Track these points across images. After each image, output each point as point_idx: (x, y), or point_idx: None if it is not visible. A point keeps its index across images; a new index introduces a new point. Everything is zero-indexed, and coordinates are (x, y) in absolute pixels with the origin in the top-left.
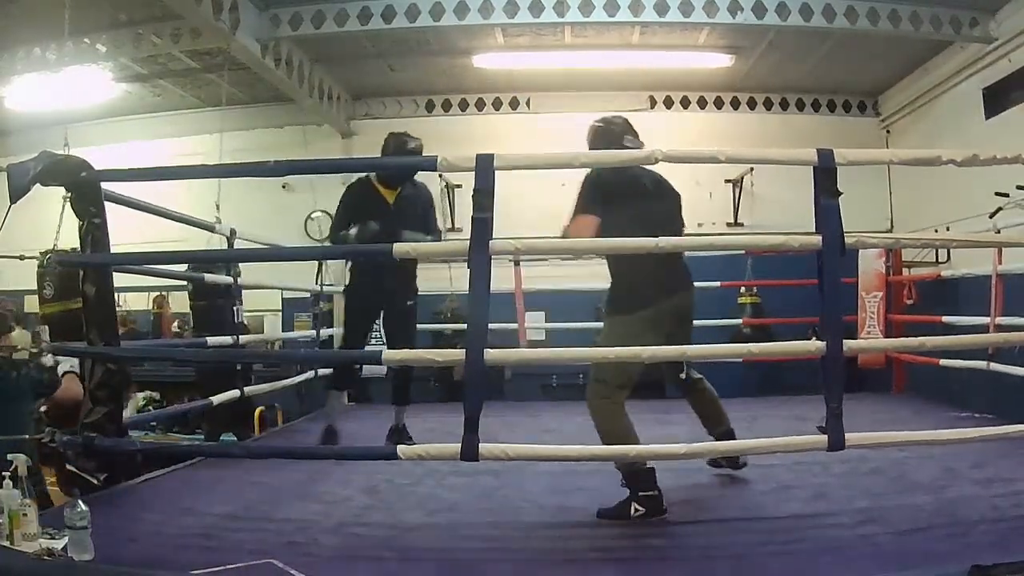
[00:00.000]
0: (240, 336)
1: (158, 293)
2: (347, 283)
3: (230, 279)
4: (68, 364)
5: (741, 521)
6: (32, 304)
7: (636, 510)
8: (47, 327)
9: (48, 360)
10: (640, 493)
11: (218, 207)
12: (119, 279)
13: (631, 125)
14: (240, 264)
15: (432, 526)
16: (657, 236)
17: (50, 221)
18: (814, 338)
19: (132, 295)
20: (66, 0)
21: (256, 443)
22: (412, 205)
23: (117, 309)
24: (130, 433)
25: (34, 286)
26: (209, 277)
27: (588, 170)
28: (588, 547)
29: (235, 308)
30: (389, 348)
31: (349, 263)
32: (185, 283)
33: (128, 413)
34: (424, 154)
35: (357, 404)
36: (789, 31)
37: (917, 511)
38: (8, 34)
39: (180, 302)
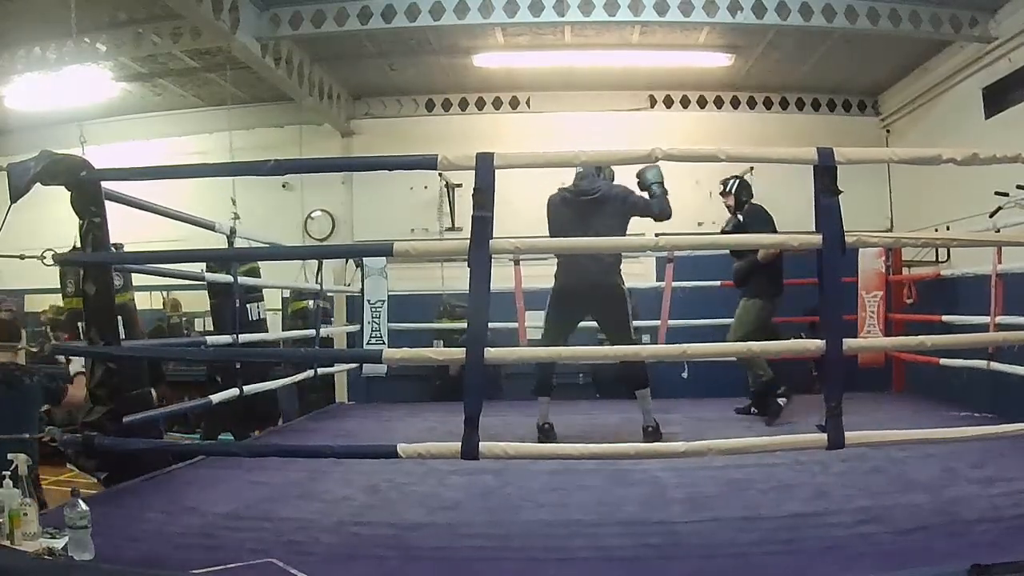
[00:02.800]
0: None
1: (166, 294)
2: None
3: (230, 278)
4: (79, 364)
5: (741, 520)
6: (33, 303)
7: (782, 402)
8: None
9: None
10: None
11: (234, 202)
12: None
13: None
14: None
15: (432, 525)
16: None
17: (52, 220)
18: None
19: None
20: (71, 1)
21: (256, 442)
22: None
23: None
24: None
25: (34, 284)
26: (211, 276)
27: (755, 207)
28: (588, 546)
29: (249, 306)
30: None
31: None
32: (186, 283)
33: None
34: (425, 153)
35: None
36: (789, 30)
37: (917, 510)
38: (8, 33)
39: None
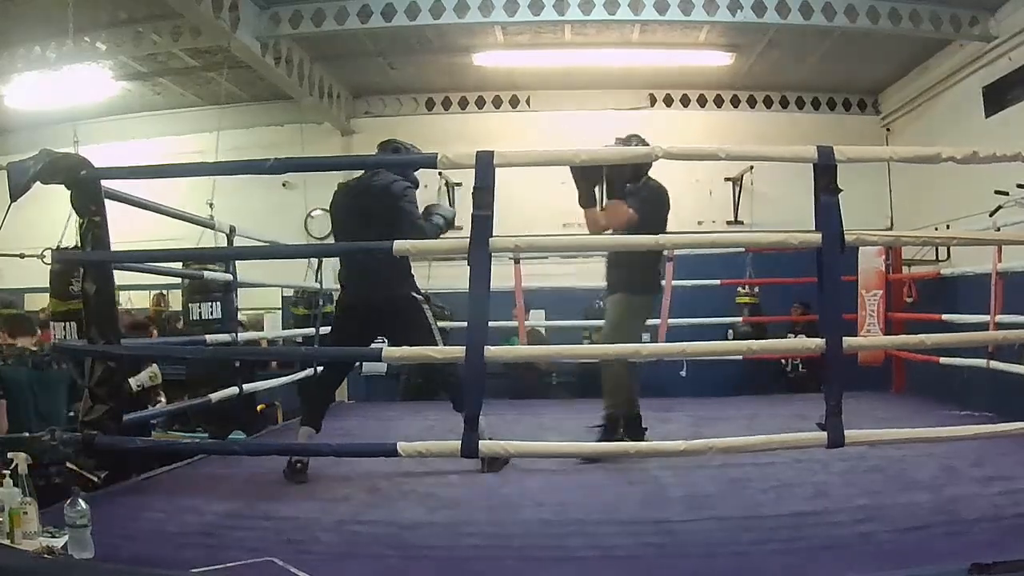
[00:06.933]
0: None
1: (158, 292)
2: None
3: (230, 276)
4: None
5: (741, 519)
6: (33, 302)
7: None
8: (74, 323)
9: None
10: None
11: (211, 205)
12: (119, 277)
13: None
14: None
15: (432, 524)
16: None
17: (52, 219)
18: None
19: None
20: (70, 1)
21: (256, 441)
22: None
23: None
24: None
25: (34, 284)
26: (211, 275)
27: (653, 184)
28: (588, 545)
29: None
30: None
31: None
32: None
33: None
34: (425, 152)
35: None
36: (789, 29)
37: (917, 509)
38: (9, 33)
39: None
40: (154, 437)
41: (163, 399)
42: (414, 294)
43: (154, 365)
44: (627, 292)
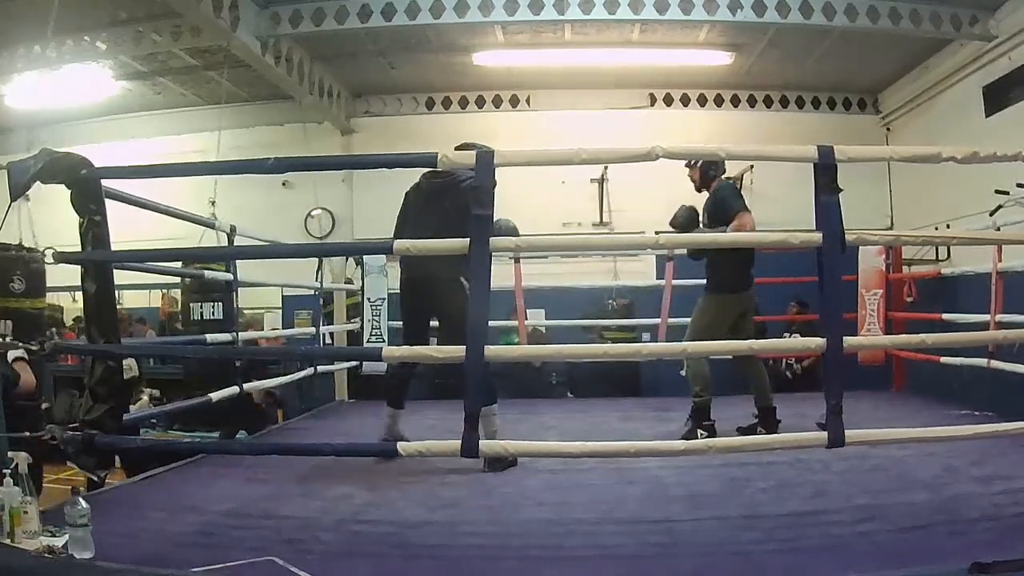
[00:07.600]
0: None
1: (164, 292)
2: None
3: (230, 276)
4: (16, 351)
5: (741, 518)
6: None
7: (701, 435)
8: (10, 322)
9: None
10: (703, 423)
11: (213, 203)
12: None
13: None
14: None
15: (432, 523)
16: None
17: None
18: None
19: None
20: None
21: (257, 440)
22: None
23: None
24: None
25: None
26: (211, 274)
27: (719, 183)
28: (588, 544)
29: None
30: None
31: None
32: (184, 280)
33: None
34: (425, 151)
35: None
36: (789, 29)
37: (917, 509)
38: (9, 33)
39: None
40: (154, 437)
41: (145, 396)
42: (462, 279)
43: (131, 359)
44: (710, 292)
